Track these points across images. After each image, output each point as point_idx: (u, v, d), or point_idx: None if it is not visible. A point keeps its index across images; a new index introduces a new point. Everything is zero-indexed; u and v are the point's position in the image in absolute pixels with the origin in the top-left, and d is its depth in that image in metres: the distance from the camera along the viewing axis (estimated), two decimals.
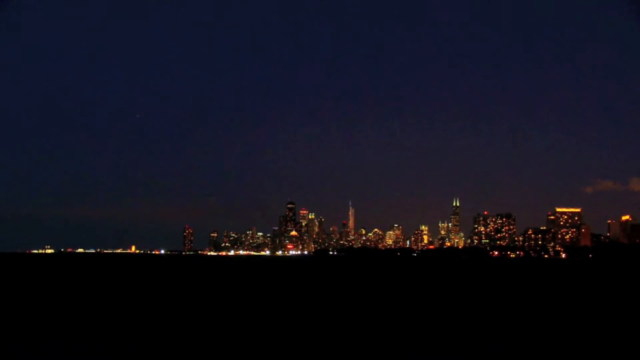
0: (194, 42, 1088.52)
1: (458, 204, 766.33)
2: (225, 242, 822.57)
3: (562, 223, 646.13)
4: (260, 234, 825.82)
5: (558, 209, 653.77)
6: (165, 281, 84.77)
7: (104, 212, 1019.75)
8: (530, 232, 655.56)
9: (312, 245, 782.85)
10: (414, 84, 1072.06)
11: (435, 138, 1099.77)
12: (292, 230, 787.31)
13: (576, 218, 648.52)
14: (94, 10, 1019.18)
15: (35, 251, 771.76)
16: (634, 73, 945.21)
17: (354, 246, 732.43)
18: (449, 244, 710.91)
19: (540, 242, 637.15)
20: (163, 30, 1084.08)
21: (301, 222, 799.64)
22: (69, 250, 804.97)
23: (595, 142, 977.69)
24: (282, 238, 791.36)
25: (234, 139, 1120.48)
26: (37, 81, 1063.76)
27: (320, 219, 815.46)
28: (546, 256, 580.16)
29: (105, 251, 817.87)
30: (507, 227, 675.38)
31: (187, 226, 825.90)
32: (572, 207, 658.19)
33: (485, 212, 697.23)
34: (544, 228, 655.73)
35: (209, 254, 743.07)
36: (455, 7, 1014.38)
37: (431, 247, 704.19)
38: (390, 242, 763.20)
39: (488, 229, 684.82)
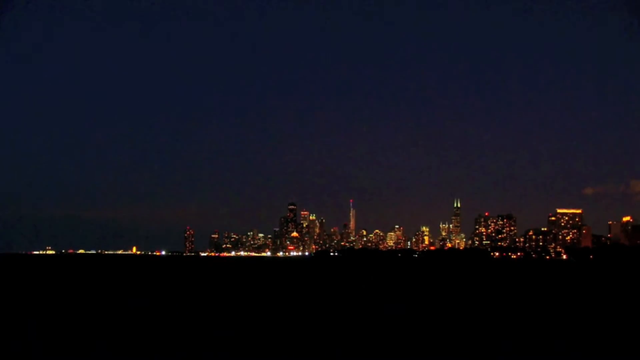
0: (194, 41, 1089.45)
1: (459, 205, 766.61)
2: (226, 243, 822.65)
3: (563, 224, 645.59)
4: (261, 235, 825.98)
5: (559, 210, 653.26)
6: (166, 282, 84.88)
7: (104, 213, 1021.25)
8: (531, 233, 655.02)
9: (313, 247, 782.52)
10: (415, 84, 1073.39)
11: (436, 139, 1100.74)
12: (293, 232, 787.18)
13: (577, 219, 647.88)
14: (95, 10, 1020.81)
15: (36, 252, 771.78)
16: (634, 74, 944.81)
17: (355, 247, 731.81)
18: (450, 245, 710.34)
19: (541, 243, 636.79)
20: (162, 30, 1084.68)
21: (302, 224, 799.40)
22: (70, 251, 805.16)
23: (596, 143, 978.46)
24: (283, 239, 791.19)
25: (235, 139, 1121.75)
26: (37, 81, 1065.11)
27: (321, 220, 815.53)
28: (547, 257, 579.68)
29: (106, 252, 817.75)
30: (508, 228, 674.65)
31: (188, 227, 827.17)
32: (573, 208, 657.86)
33: (487, 213, 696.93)
34: (545, 229, 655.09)
35: (210, 254, 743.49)
36: (456, 8, 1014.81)
37: (432, 248, 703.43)
38: (391, 243, 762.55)
39: (489, 230, 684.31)
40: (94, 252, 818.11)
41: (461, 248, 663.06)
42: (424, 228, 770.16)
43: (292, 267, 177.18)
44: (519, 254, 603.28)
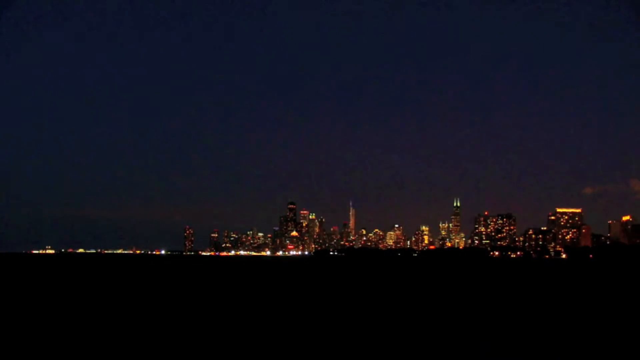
0: (193, 41, 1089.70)
1: (459, 204, 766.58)
2: (225, 243, 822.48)
3: (562, 223, 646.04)
4: (260, 234, 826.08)
5: (558, 210, 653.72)
6: (166, 282, 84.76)
7: (104, 213, 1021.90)
8: (530, 232, 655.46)
9: (313, 246, 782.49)
10: (415, 84, 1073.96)
11: (436, 138, 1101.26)
12: (292, 231, 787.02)
13: (577, 218, 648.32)
14: (99, 12, 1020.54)
15: (36, 251, 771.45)
16: (634, 73, 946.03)
17: (355, 246, 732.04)
18: (449, 245, 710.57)
19: (540, 243, 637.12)
20: (164, 31, 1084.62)
21: (302, 223, 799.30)
22: (70, 250, 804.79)
23: (596, 142, 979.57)
24: (283, 238, 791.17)
25: (235, 139, 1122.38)
26: (38, 82, 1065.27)
27: (321, 219, 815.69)
28: (547, 256, 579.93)
29: (105, 251, 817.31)
30: (507, 228, 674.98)
31: (187, 226, 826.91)
32: (572, 207, 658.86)
33: (486, 213, 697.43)
34: (545, 228, 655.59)
35: (212, 254, 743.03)
36: (456, 9, 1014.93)
37: (432, 247, 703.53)
38: (391, 243, 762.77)
39: (488, 230, 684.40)
40: (93, 251, 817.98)
41: (461, 247, 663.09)
42: (423, 227, 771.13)
43: (288, 269, 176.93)
44: (518, 253, 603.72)
